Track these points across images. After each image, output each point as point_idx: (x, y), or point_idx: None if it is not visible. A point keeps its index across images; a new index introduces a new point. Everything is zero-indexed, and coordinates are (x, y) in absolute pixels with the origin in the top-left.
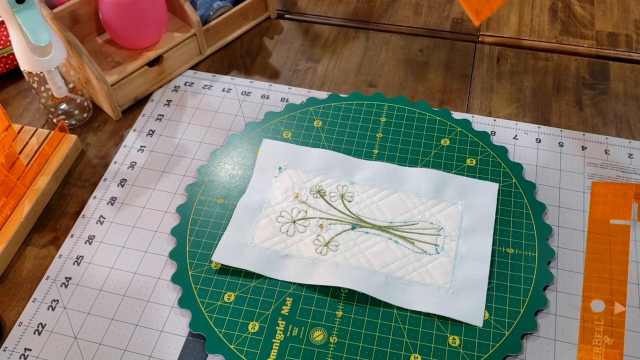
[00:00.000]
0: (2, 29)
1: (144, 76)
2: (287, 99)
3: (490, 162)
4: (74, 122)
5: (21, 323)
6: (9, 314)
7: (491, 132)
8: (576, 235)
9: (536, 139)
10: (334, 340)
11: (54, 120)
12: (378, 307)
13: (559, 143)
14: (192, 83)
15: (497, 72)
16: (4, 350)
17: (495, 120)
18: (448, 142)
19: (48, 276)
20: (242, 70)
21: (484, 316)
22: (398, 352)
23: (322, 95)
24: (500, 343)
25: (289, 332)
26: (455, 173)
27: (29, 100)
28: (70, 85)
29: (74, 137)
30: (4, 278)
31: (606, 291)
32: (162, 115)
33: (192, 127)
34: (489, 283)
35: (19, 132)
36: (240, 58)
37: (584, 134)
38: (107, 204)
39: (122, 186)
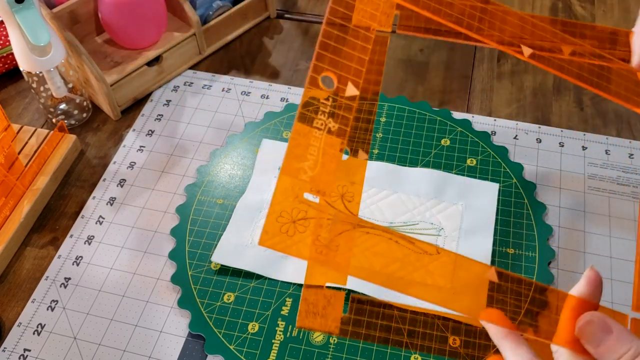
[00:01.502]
0: (2, 29)
1: (143, 76)
2: (287, 99)
3: (490, 162)
4: (73, 122)
5: (20, 323)
6: (8, 315)
7: (491, 132)
8: (577, 235)
9: (536, 139)
10: (334, 340)
11: (53, 120)
12: (378, 307)
13: (560, 143)
14: (192, 83)
15: (497, 72)
16: (4, 350)
17: (495, 120)
18: (448, 142)
19: (47, 276)
20: (242, 70)
21: None
22: (398, 352)
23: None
24: None
25: (288, 333)
26: (455, 173)
27: (28, 100)
28: (70, 85)
29: (73, 137)
30: (3, 278)
31: None
32: (162, 115)
33: (192, 127)
34: None
35: (18, 132)
36: (240, 58)
37: (584, 134)
38: (107, 204)
39: (122, 186)
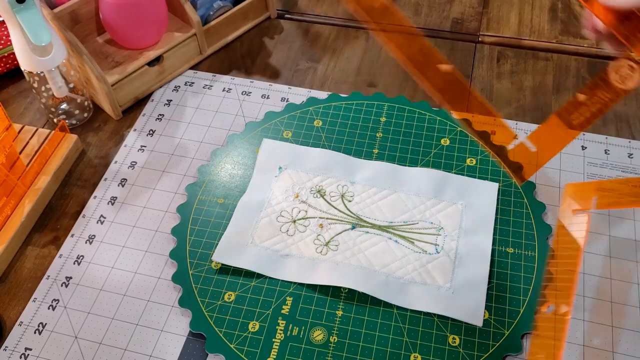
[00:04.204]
0: (3, 29)
1: (144, 76)
2: (287, 98)
3: (490, 162)
4: (74, 121)
5: (22, 322)
6: (9, 314)
7: (491, 132)
8: None
9: None
10: (334, 339)
11: (55, 120)
12: (378, 306)
13: None
14: (193, 83)
15: (497, 72)
16: (5, 349)
17: (495, 120)
18: (448, 142)
19: (48, 276)
20: (242, 70)
21: (484, 316)
22: (398, 351)
23: (322, 95)
24: (500, 343)
25: (289, 332)
26: (455, 173)
27: (30, 100)
28: (71, 85)
29: (74, 136)
30: (5, 278)
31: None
32: (163, 115)
33: (193, 127)
34: (489, 283)
35: (19, 132)
36: (241, 58)
37: (583, 134)
38: (108, 203)
39: (123, 186)
